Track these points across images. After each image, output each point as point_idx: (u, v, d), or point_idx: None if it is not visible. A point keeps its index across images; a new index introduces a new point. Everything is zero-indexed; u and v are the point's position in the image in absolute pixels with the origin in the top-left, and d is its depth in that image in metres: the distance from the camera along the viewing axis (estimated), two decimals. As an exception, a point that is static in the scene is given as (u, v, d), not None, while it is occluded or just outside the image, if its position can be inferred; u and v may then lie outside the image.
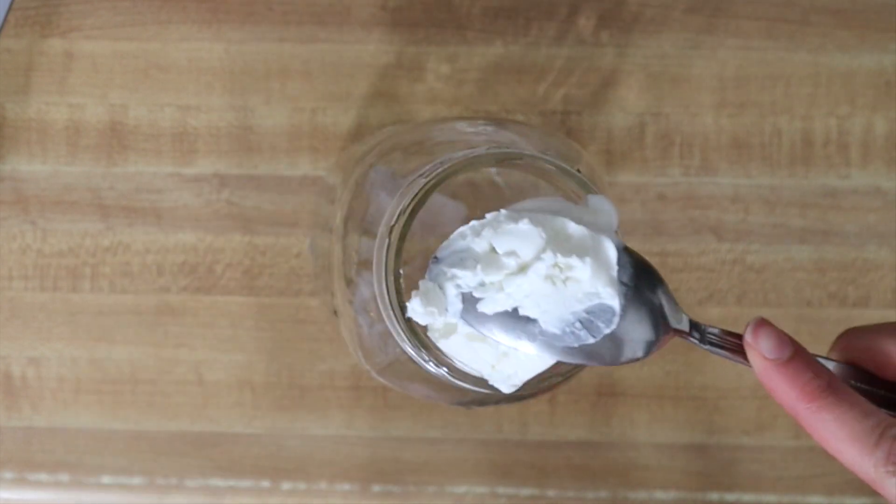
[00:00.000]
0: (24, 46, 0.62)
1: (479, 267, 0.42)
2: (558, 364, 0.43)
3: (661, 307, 0.42)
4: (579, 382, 0.61)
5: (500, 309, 0.42)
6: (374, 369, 0.51)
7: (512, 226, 0.42)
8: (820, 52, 0.62)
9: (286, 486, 0.62)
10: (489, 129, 0.51)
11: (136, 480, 0.62)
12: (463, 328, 0.43)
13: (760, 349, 0.41)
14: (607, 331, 0.42)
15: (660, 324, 0.42)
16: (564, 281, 0.42)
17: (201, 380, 0.62)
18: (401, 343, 0.45)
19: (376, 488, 0.62)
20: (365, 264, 0.47)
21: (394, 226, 0.44)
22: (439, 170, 0.45)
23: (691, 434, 0.62)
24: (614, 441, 0.62)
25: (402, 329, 0.44)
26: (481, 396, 0.46)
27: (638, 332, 0.42)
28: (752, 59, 0.62)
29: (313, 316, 0.62)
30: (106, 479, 0.62)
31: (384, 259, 0.44)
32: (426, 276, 0.42)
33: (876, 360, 0.43)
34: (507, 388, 0.44)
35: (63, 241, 0.62)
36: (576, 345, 0.42)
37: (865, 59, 0.62)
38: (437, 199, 0.46)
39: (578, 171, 0.45)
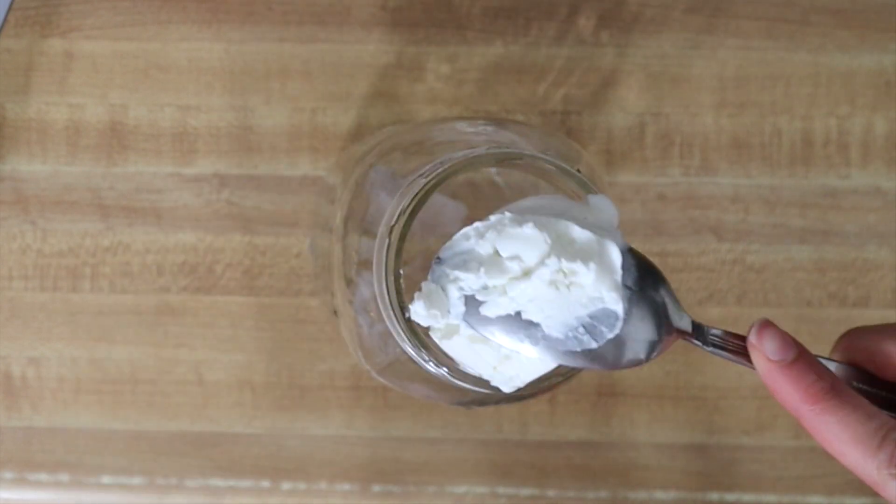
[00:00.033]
0: (24, 46, 0.61)
1: (482, 270, 0.42)
2: (560, 365, 0.43)
3: (664, 307, 0.42)
4: (579, 382, 0.61)
5: (502, 312, 0.42)
6: (374, 369, 0.51)
7: (516, 230, 0.42)
8: (820, 52, 0.62)
9: (286, 486, 0.62)
10: (489, 129, 0.51)
11: (136, 480, 0.62)
12: (465, 330, 0.43)
13: (765, 351, 0.41)
14: (610, 335, 0.42)
15: (663, 324, 0.42)
16: (568, 286, 0.41)
17: (201, 380, 0.62)
18: (401, 343, 0.45)
19: (376, 488, 0.62)
20: (365, 264, 0.47)
21: (394, 226, 0.44)
22: (439, 170, 0.45)
23: (691, 434, 0.62)
24: (614, 441, 0.62)
25: (403, 329, 0.44)
26: (481, 396, 0.46)
27: (641, 333, 0.42)
28: (752, 59, 0.62)
29: (313, 316, 0.62)
30: (106, 479, 0.62)
31: (384, 259, 0.44)
32: (429, 278, 0.42)
33: (877, 362, 0.43)
34: (508, 389, 0.44)
35: (63, 241, 0.62)
36: (578, 349, 0.42)
37: (865, 59, 0.62)
38: (437, 199, 0.46)
39: (578, 171, 0.45)
